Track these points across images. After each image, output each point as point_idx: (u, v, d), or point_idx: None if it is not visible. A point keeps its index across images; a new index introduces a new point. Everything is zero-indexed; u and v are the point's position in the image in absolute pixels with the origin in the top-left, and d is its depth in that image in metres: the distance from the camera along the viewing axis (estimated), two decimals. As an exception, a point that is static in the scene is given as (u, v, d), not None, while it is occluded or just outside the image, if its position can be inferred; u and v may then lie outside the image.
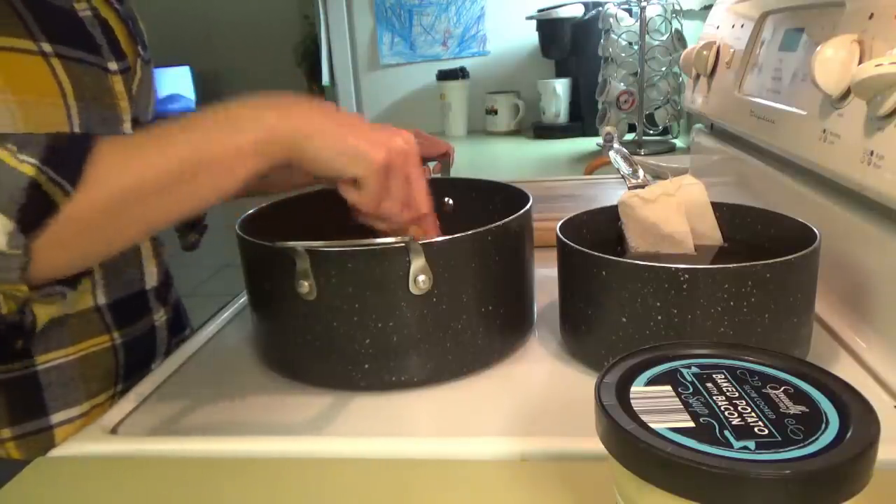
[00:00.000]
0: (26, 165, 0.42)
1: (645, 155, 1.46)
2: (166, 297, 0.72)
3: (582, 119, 1.79)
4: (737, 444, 0.27)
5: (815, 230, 0.53)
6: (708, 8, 1.29)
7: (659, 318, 0.50)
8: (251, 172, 0.47)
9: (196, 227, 0.75)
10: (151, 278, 0.68)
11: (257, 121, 0.47)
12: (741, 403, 0.30)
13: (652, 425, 0.29)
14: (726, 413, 0.29)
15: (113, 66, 0.60)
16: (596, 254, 0.52)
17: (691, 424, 0.29)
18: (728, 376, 0.32)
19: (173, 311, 0.73)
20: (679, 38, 1.48)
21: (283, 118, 0.48)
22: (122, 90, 0.61)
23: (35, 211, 0.42)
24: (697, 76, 1.07)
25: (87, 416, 0.61)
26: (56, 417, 0.59)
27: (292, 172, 0.58)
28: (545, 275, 0.63)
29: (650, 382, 0.32)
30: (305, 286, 0.52)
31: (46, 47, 0.54)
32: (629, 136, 1.56)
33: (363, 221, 0.55)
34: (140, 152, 0.47)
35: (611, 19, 1.52)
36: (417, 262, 0.51)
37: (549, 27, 1.79)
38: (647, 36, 1.47)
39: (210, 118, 0.48)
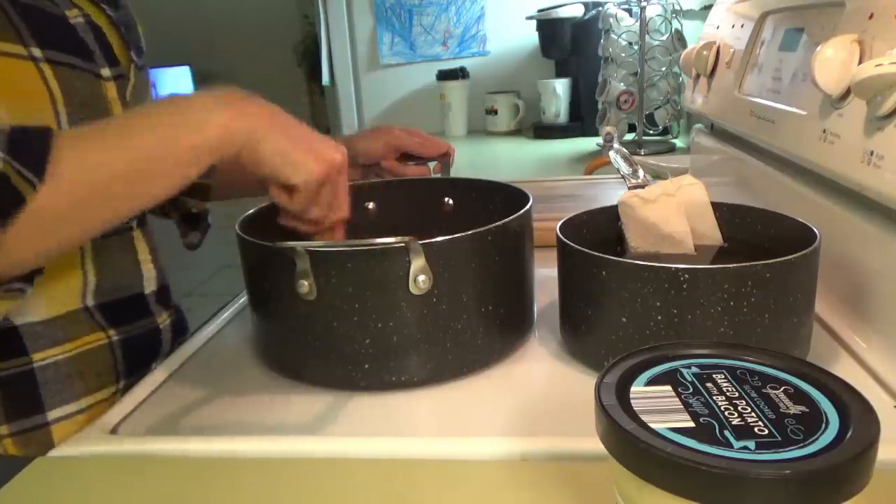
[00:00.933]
0: None
1: (645, 155, 1.46)
2: (167, 300, 0.72)
3: (582, 119, 1.79)
4: (737, 444, 0.27)
5: (815, 230, 0.53)
6: (708, 8, 1.29)
7: (659, 318, 0.50)
8: (203, 168, 0.50)
9: (199, 225, 0.76)
10: (150, 283, 0.69)
11: (213, 118, 0.49)
12: (741, 403, 0.30)
13: (652, 425, 0.29)
14: (726, 413, 0.29)
15: (106, 72, 0.61)
16: (596, 254, 0.52)
17: (691, 424, 0.29)
18: (728, 376, 0.32)
19: (177, 315, 0.74)
20: (679, 38, 1.48)
21: (238, 117, 0.50)
22: (115, 96, 0.61)
23: (4, 203, 0.43)
24: (697, 76, 1.07)
25: (87, 413, 0.61)
26: (53, 414, 0.59)
27: (234, 177, 0.64)
28: (545, 275, 0.63)
29: (650, 382, 0.32)
30: (305, 286, 0.52)
31: (36, 52, 0.54)
32: (629, 136, 1.56)
33: (284, 222, 0.59)
34: (101, 147, 0.48)
35: (611, 19, 1.52)
36: (417, 262, 0.51)
37: (549, 27, 1.79)
38: (647, 36, 1.47)
39: (166, 112, 0.50)
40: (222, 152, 0.50)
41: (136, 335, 0.66)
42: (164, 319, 0.70)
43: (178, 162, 0.49)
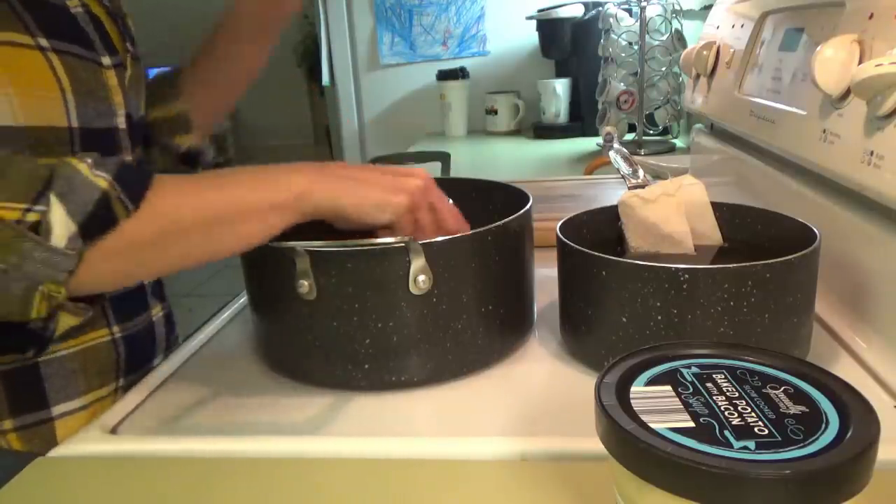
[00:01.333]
0: (101, 180, 0.46)
1: (645, 155, 1.46)
2: (161, 293, 0.73)
3: (582, 119, 1.79)
4: (737, 444, 0.27)
5: (815, 230, 0.53)
6: (708, 8, 1.29)
7: (659, 318, 0.50)
8: (281, 226, 0.52)
9: (199, 164, 0.77)
10: None
11: (291, 182, 0.52)
12: (741, 403, 0.30)
13: (652, 425, 0.29)
14: (726, 413, 0.29)
15: (106, 60, 0.61)
16: (596, 254, 0.52)
17: (691, 424, 0.29)
18: (728, 376, 0.32)
19: (168, 308, 0.75)
20: (679, 38, 1.48)
21: (313, 182, 0.52)
22: (115, 85, 0.62)
23: (98, 221, 0.46)
24: (697, 76, 1.07)
25: (88, 410, 0.62)
26: (57, 409, 0.60)
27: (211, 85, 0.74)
28: (545, 275, 0.63)
29: (650, 382, 0.32)
30: (305, 286, 0.52)
31: (43, 42, 0.55)
32: (629, 136, 1.56)
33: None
34: (195, 190, 0.52)
35: (611, 19, 1.52)
36: (417, 262, 0.51)
37: (549, 27, 1.79)
38: (647, 36, 1.47)
39: (253, 174, 0.53)
40: (300, 212, 0.52)
41: (135, 332, 0.67)
42: (157, 312, 0.71)
43: (258, 215, 0.51)
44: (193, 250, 0.52)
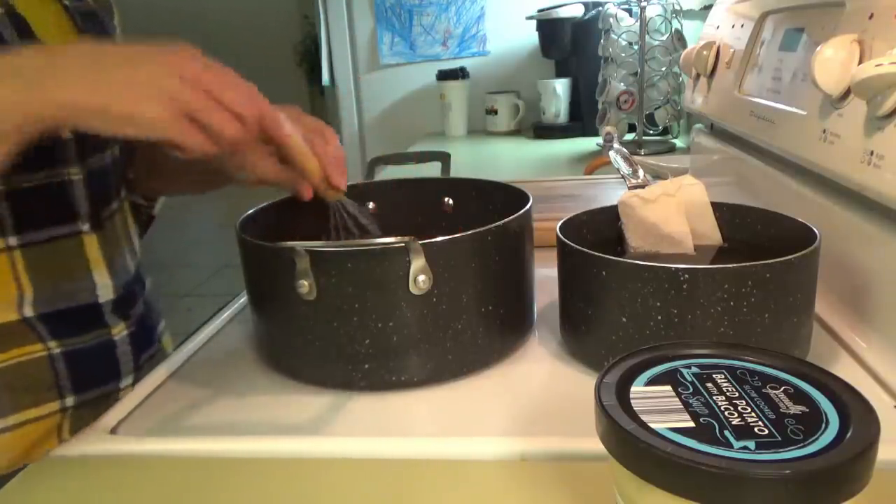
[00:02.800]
0: None
1: (645, 155, 1.46)
2: (128, 311, 0.69)
3: (582, 119, 1.79)
4: (737, 444, 0.27)
5: (815, 230, 0.53)
6: (708, 8, 1.28)
7: (659, 318, 0.50)
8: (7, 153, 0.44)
9: (136, 218, 0.74)
10: (106, 291, 0.65)
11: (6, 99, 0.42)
12: (741, 403, 0.30)
13: (652, 425, 0.29)
14: (726, 413, 0.29)
15: None
16: (596, 254, 0.52)
17: (691, 424, 0.29)
18: (728, 376, 0.32)
19: (137, 326, 0.70)
20: (679, 38, 1.48)
21: (28, 90, 0.42)
22: None
23: None
24: (697, 76, 1.07)
25: (19, 431, 0.58)
26: None
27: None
28: (545, 275, 0.63)
29: (650, 382, 0.32)
30: (305, 286, 0.52)
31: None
32: (629, 136, 1.56)
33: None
34: None
35: (611, 19, 1.52)
36: (417, 262, 0.51)
37: (549, 27, 1.79)
38: (647, 36, 1.47)
39: None
40: (28, 135, 0.44)
41: (83, 348, 0.62)
42: (119, 331, 0.67)
43: None
44: None
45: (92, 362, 0.63)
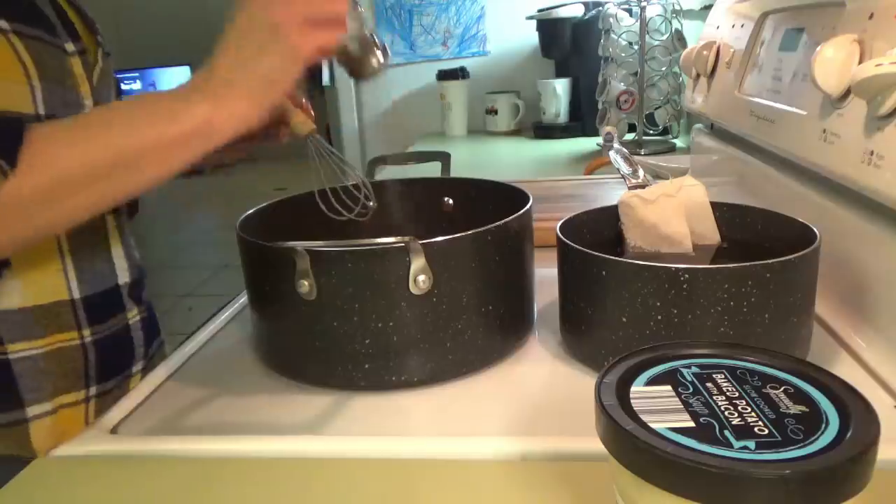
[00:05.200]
0: None
1: (645, 155, 1.46)
2: (140, 295, 0.70)
3: (582, 119, 1.79)
4: (737, 444, 0.27)
5: (815, 230, 0.53)
6: (708, 8, 1.28)
7: (659, 318, 0.50)
8: (188, 160, 0.49)
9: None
10: (123, 274, 0.67)
11: (190, 112, 0.48)
12: (741, 403, 0.30)
13: (652, 425, 0.29)
14: (726, 413, 0.29)
15: (70, 47, 0.59)
16: (596, 254, 0.52)
17: (691, 424, 0.29)
18: (728, 376, 0.32)
19: (147, 312, 0.71)
20: (679, 38, 1.48)
21: (215, 108, 0.48)
22: (81, 73, 0.59)
23: None
24: (697, 76, 1.07)
25: (55, 415, 0.59)
26: (31, 411, 0.58)
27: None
28: (545, 275, 0.63)
29: (650, 382, 0.32)
30: (305, 286, 0.52)
31: (3, 24, 0.52)
32: (629, 136, 1.56)
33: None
34: (81, 136, 0.47)
35: (611, 19, 1.52)
36: (417, 262, 0.51)
37: (549, 27, 1.79)
38: (647, 36, 1.46)
39: (144, 105, 0.49)
40: (207, 145, 0.49)
41: (107, 335, 0.64)
42: (133, 315, 0.68)
43: (161, 155, 0.48)
44: (95, 199, 0.48)
45: (114, 350, 0.65)
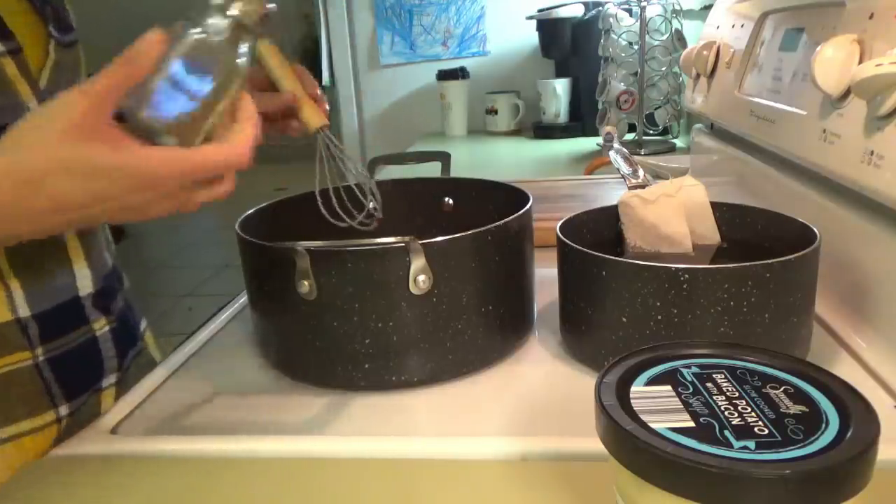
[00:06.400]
0: None
1: (645, 155, 1.46)
2: (108, 305, 0.64)
3: (582, 119, 1.79)
4: (737, 444, 0.27)
5: (815, 230, 0.53)
6: (708, 8, 1.28)
7: (659, 318, 0.50)
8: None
9: None
10: (85, 283, 0.61)
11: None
12: (741, 403, 0.30)
13: (652, 425, 0.29)
14: (726, 413, 0.29)
15: None
16: (596, 254, 0.52)
17: (691, 424, 0.29)
18: (728, 376, 0.32)
19: (118, 322, 0.65)
20: (679, 38, 1.48)
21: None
22: (16, 73, 0.55)
23: None
24: (697, 76, 1.07)
25: (14, 443, 0.55)
26: None
27: None
28: (545, 275, 0.63)
29: (650, 382, 0.32)
30: (305, 286, 0.52)
31: None
32: (629, 136, 1.56)
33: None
34: None
35: (611, 19, 1.52)
36: (417, 262, 0.51)
37: (549, 27, 1.79)
38: (647, 36, 1.46)
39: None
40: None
41: (67, 351, 0.59)
42: (101, 326, 0.62)
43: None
44: None
45: (78, 365, 0.60)
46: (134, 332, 0.70)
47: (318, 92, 0.61)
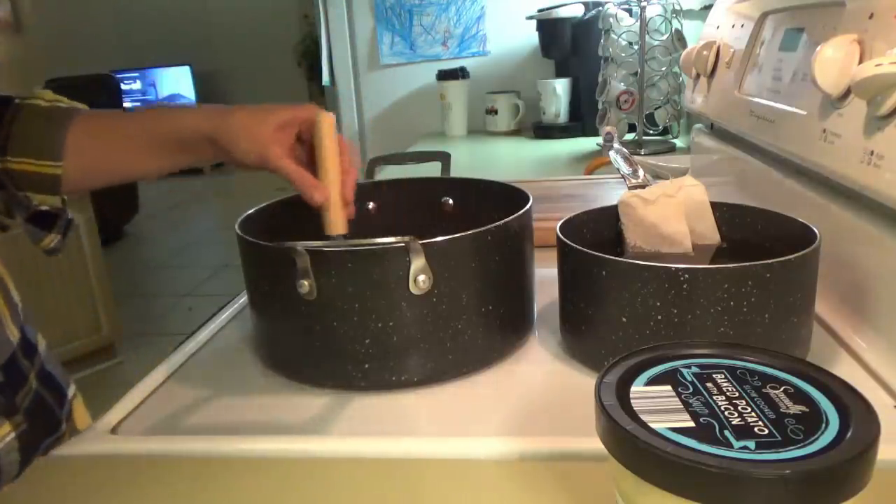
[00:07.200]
0: None
1: (645, 155, 1.46)
2: (12, 400, 0.55)
3: (582, 119, 1.79)
4: (737, 444, 0.27)
5: (815, 230, 0.53)
6: (708, 8, 1.28)
7: (659, 318, 0.50)
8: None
9: (54, 225, 0.64)
10: None
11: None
12: (741, 403, 0.30)
13: (652, 425, 0.29)
14: (726, 413, 0.29)
15: None
16: (596, 254, 0.52)
17: (691, 424, 0.29)
18: (728, 376, 0.32)
19: (30, 418, 0.56)
20: (679, 38, 1.48)
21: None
22: None
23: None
24: (697, 76, 1.07)
25: None
26: None
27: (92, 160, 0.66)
28: (545, 275, 0.63)
29: (650, 382, 0.32)
30: (305, 286, 0.52)
31: None
32: (629, 136, 1.56)
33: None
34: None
35: (611, 19, 1.52)
36: (417, 262, 0.51)
37: (549, 27, 1.79)
38: (647, 36, 1.46)
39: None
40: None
41: None
42: (4, 433, 0.53)
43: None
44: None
45: None
46: (51, 418, 0.60)
47: (351, 197, 0.62)
